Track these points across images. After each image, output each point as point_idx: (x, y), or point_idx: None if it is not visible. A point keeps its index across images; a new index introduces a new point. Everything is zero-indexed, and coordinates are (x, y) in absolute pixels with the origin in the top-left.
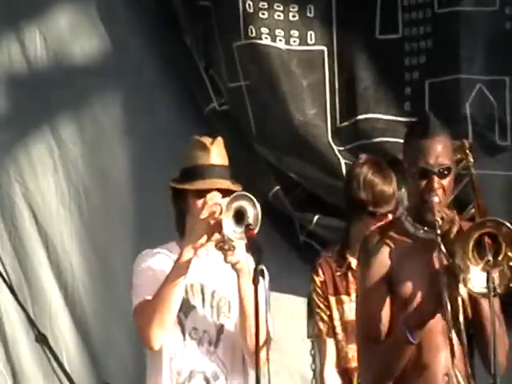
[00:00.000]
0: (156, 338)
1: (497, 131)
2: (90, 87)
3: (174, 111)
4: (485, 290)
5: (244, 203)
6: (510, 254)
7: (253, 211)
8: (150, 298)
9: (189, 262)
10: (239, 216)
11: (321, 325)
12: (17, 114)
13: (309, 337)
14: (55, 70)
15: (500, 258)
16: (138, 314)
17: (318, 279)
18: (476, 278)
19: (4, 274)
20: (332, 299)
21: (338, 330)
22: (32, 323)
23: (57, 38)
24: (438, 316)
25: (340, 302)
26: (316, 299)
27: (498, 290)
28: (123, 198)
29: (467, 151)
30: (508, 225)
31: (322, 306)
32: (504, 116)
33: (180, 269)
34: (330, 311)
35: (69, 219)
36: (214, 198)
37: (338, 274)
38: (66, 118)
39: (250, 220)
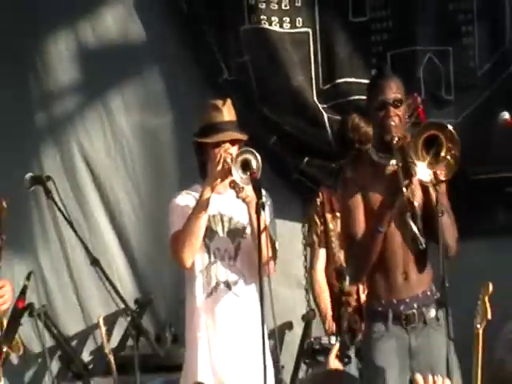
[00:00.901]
0: (187, 259)
1: (443, 89)
2: (131, 66)
3: (196, 83)
4: (430, 179)
5: (248, 156)
6: (450, 147)
7: (255, 162)
8: (180, 228)
9: (208, 199)
10: (245, 166)
11: (315, 237)
12: (75, 89)
13: (305, 245)
14: (103, 53)
15: (443, 154)
16: (172, 242)
17: (318, 200)
18: (423, 171)
19: (66, 214)
20: (328, 216)
21: (333, 239)
22: (88, 250)
23: (104, 29)
24: (396, 231)
25: (335, 218)
26: (314, 216)
27: (442, 178)
28: (159, 151)
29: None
30: (449, 126)
31: (318, 222)
32: (448, 77)
33: (201, 204)
34: (326, 226)
35: (115, 169)
36: (227, 147)
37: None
38: (113, 91)
39: (254, 168)
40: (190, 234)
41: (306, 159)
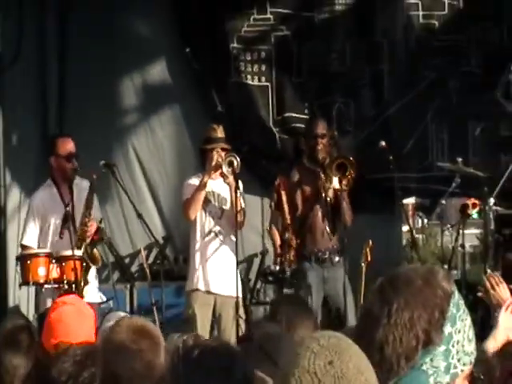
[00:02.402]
0: (191, 215)
1: (347, 125)
2: (163, 101)
3: (201, 112)
4: (338, 187)
5: (232, 158)
6: (352, 171)
7: (236, 162)
8: (188, 197)
9: (206, 182)
10: (230, 164)
11: (273, 205)
12: (132, 112)
13: (270, 207)
14: (149, 93)
15: (347, 173)
16: (183, 204)
17: (276, 183)
18: (336, 182)
19: (123, 185)
20: (282, 192)
21: (284, 206)
22: (135, 207)
23: (150, 77)
24: (319, 209)
25: (285, 194)
26: (274, 193)
27: (345, 188)
28: (179, 149)
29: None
30: (350, 158)
31: (275, 196)
32: (350, 117)
33: (202, 185)
34: (280, 198)
35: (153, 159)
36: (220, 152)
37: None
38: (153, 114)
39: (235, 165)
40: (194, 201)
41: (264, 162)
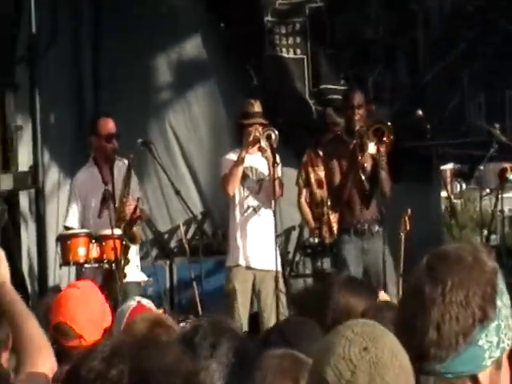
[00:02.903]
0: (230, 191)
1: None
2: (201, 76)
3: (238, 86)
4: (375, 152)
5: (270, 132)
6: (389, 135)
7: (274, 136)
8: (227, 173)
9: (244, 157)
10: (268, 138)
11: (300, 181)
12: (169, 88)
13: (296, 184)
14: (186, 68)
15: (384, 138)
16: (222, 180)
17: (304, 158)
18: (371, 148)
19: (161, 163)
20: (310, 168)
21: (313, 181)
22: (173, 185)
23: (187, 53)
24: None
25: (314, 169)
26: (301, 168)
27: (382, 155)
28: (215, 125)
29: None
30: (386, 122)
31: (303, 172)
32: (385, 87)
33: (239, 160)
34: (308, 174)
35: (190, 135)
36: (257, 127)
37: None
38: (190, 91)
39: (273, 139)
40: (232, 177)
41: (300, 134)
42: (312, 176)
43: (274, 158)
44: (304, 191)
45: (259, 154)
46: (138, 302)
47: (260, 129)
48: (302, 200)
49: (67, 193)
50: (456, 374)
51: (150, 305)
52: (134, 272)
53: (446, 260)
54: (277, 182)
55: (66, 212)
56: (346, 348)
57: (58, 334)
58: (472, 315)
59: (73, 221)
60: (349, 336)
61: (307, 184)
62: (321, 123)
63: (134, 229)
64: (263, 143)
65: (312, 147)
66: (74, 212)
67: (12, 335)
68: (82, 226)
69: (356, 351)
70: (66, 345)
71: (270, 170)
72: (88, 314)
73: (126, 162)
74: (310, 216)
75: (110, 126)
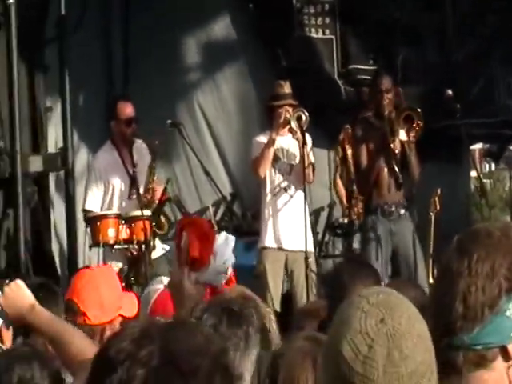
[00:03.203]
0: (261, 173)
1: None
2: (229, 57)
3: (267, 67)
4: (406, 138)
5: (300, 113)
6: (419, 122)
7: (304, 117)
8: (258, 155)
9: (275, 139)
10: (298, 119)
11: (337, 159)
12: (197, 68)
13: (334, 161)
14: (214, 50)
15: (414, 125)
16: (253, 162)
17: (341, 137)
18: (402, 134)
19: (190, 144)
20: (347, 146)
21: (350, 160)
22: (203, 165)
23: (215, 36)
24: (386, 164)
25: (350, 147)
26: (338, 147)
27: (412, 140)
28: (245, 104)
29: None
30: (416, 108)
31: (340, 151)
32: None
33: (270, 141)
34: (345, 152)
35: (218, 115)
36: (287, 108)
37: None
38: (218, 71)
39: (304, 120)
40: (263, 159)
41: (330, 114)
42: (349, 153)
43: (304, 138)
44: (339, 168)
45: (290, 135)
46: (165, 286)
47: (290, 110)
48: (338, 178)
49: None
50: (485, 346)
51: None
52: (157, 248)
53: (475, 236)
54: (309, 167)
55: (85, 194)
56: (362, 321)
57: (67, 311)
58: (498, 286)
59: (92, 204)
60: (364, 307)
61: (344, 161)
62: (350, 103)
63: (161, 217)
64: (293, 124)
65: (350, 124)
66: (95, 194)
67: (60, 353)
68: (104, 208)
69: (372, 323)
70: (73, 321)
71: (300, 151)
72: (95, 295)
73: (143, 144)
74: (343, 193)
75: (128, 110)
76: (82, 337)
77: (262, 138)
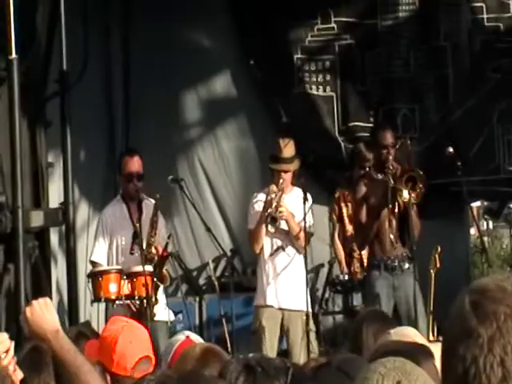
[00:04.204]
0: (256, 249)
1: (412, 131)
2: (229, 113)
3: (267, 122)
4: (407, 199)
5: (274, 216)
6: (420, 185)
7: (278, 221)
8: (252, 228)
9: (267, 218)
10: (273, 221)
11: (334, 217)
12: (197, 124)
13: (330, 220)
14: (215, 106)
15: (416, 187)
16: (249, 236)
17: (336, 196)
18: (406, 194)
19: (191, 199)
20: (343, 204)
21: (345, 218)
22: (203, 221)
23: (215, 90)
24: (387, 220)
25: (346, 206)
26: (334, 205)
27: (414, 201)
28: (245, 161)
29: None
30: (420, 171)
31: (336, 208)
32: (415, 123)
33: (262, 219)
34: (341, 211)
35: (219, 172)
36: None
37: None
38: (219, 127)
39: (276, 225)
40: (257, 237)
41: (331, 170)
42: (344, 211)
43: (305, 196)
44: (337, 226)
45: (291, 193)
46: (187, 336)
47: (289, 175)
48: (336, 235)
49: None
50: None
51: (199, 340)
52: (161, 311)
53: (488, 294)
54: (302, 234)
55: (93, 246)
56: (379, 382)
57: None
58: None
59: (100, 256)
60: (382, 371)
61: (340, 219)
62: (350, 161)
63: (164, 270)
64: (269, 227)
65: (345, 184)
66: (101, 247)
67: (68, 382)
68: (109, 262)
69: None
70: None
71: (290, 227)
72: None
73: (152, 202)
74: (341, 252)
75: (130, 165)
76: (96, 375)
77: (259, 205)
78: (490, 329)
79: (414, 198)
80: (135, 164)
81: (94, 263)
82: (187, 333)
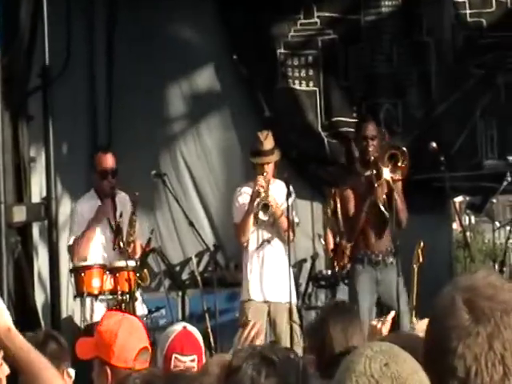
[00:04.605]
0: (243, 240)
1: (395, 126)
2: (211, 106)
3: (251, 116)
4: (389, 178)
5: (267, 202)
6: (403, 160)
7: (270, 208)
8: (238, 222)
9: (252, 209)
10: (265, 208)
11: (329, 211)
12: (180, 119)
13: (324, 213)
14: (196, 99)
15: (399, 164)
16: (235, 229)
17: (332, 192)
18: (387, 173)
19: (174, 194)
20: (338, 199)
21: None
22: (186, 216)
23: (197, 85)
24: (372, 211)
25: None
26: (331, 201)
27: (400, 178)
28: (228, 155)
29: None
30: (404, 148)
31: (332, 204)
32: (398, 119)
33: (249, 209)
34: (336, 205)
35: (202, 166)
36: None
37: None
38: (201, 120)
39: (269, 211)
40: (244, 228)
41: (314, 165)
42: (339, 206)
43: (289, 190)
44: (330, 221)
45: (275, 184)
46: (184, 327)
47: (264, 182)
48: (328, 229)
49: None
50: None
51: (195, 331)
52: (139, 306)
53: (480, 292)
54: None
55: (69, 233)
56: (366, 364)
57: None
58: None
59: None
60: (368, 354)
61: (334, 214)
62: (333, 156)
63: (144, 270)
64: (260, 215)
65: (336, 180)
66: (77, 234)
67: (28, 382)
68: (91, 257)
69: (377, 367)
70: None
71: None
72: None
73: (127, 196)
74: (331, 246)
75: (104, 162)
76: (53, 371)
77: (244, 198)
78: (488, 326)
79: (398, 175)
80: (109, 160)
81: (70, 247)
82: (183, 323)
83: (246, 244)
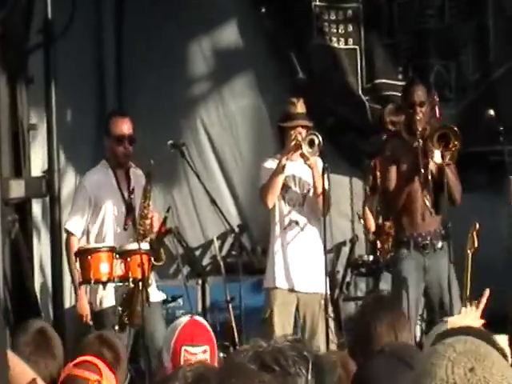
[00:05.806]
0: (269, 202)
1: (447, 90)
2: (237, 68)
3: (281, 79)
4: (440, 161)
5: (313, 136)
6: (456, 142)
7: (317, 140)
8: (265, 182)
9: (284, 165)
10: (311, 143)
11: (367, 188)
12: (201, 81)
13: (364, 190)
14: (221, 59)
15: (451, 145)
16: (260, 190)
17: (372, 165)
18: (437, 156)
19: (193, 167)
20: (378, 173)
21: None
22: (208, 192)
23: (222, 42)
24: (419, 188)
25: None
26: (369, 175)
27: (449, 163)
28: (255, 124)
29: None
30: (452, 126)
31: (371, 179)
32: (450, 82)
33: (279, 168)
34: (376, 181)
35: (225, 136)
36: (299, 130)
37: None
38: (225, 84)
39: (317, 145)
40: (272, 187)
41: (353, 136)
42: (379, 182)
43: (324, 163)
44: (369, 199)
45: (302, 160)
46: (191, 316)
47: (303, 132)
48: (367, 209)
49: None
50: None
51: (203, 321)
52: (154, 291)
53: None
54: (324, 195)
55: (70, 212)
56: (449, 370)
57: None
58: None
59: (74, 225)
60: (451, 356)
61: (374, 191)
62: (376, 124)
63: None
64: (305, 149)
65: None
66: (79, 216)
67: None
68: (97, 238)
69: (461, 373)
70: None
71: (314, 178)
72: None
73: (139, 171)
74: (371, 227)
75: (122, 126)
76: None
77: (271, 163)
78: None
79: (448, 159)
80: (127, 125)
81: (68, 232)
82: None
83: (271, 207)
